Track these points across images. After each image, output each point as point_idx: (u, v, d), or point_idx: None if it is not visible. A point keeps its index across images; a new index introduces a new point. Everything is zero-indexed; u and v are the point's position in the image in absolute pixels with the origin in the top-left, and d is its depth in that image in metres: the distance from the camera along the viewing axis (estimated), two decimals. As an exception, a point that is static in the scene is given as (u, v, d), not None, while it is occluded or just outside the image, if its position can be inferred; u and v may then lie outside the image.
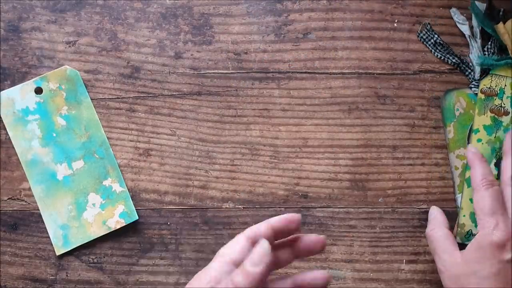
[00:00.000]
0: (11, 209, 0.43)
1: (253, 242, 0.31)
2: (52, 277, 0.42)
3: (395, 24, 0.43)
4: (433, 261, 0.42)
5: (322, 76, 0.43)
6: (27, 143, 0.42)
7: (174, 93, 0.43)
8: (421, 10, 0.43)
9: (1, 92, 0.42)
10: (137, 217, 0.42)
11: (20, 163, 0.42)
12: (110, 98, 0.43)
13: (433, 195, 0.43)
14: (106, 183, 0.42)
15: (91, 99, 0.43)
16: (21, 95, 0.42)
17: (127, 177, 0.43)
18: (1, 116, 0.42)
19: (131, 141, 0.43)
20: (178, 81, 0.43)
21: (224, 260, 0.31)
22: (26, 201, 0.43)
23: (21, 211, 0.43)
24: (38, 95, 0.42)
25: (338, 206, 0.43)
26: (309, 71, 0.43)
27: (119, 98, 0.43)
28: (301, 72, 0.43)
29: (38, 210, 0.42)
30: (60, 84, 0.42)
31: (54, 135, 0.42)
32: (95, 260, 0.42)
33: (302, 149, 0.43)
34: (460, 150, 0.42)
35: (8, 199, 0.43)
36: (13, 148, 0.42)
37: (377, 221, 0.43)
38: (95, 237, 0.42)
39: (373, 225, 0.43)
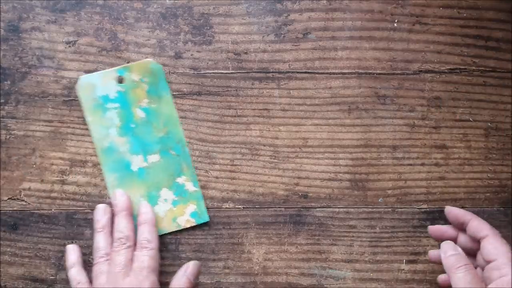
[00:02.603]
0: (11, 209, 0.43)
1: None
2: (52, 277, 0.42)
3: (395, 24, 0.44)
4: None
5: (322, 76, 0.43)
6: (105, 130, 0.42)
7: (174, 93, 0.43)
8: (421, 10, 0.44)
9: (81, 77, 0.42)
10: (208, 219, 0.42)
11: (20, 163, 0.42)
12: (110, 98, 0.43)
13: (433, 195, 0.43)
14: (180, 180, 0.42)
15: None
16: (102, 81, 0.42)
17: (127, 177, 0.43)
18: (81, 100, 0.42)
19: (131, 141, 0.43)
20: (178, 81, 0.43)
21: None
22: (26, 201, 0.43)
23: (21, 211, 0.43)
24: (120, 84, 0.42)
25: (338, 206, 0.43)
26: (309, 71, 0.43)
27: (119, 98, 0.43)
28: (301, 72, 0.43)
29: (38, 210, 0.42)
30: (143, 77, 0.42)
31: (133, 126, 0.42)
32: (95, 260, 0.42)
33: (302, 149, 0.43)
34: None
35: (8, 199, 0.43)
36: (14, 148, 0.42)
37: (377, 221, 0.43)
38: (164, 232, 0.42)
39: (373, 225, 0.43)
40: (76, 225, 0.43)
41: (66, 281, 0.42)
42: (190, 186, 0.42)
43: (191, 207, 0.42)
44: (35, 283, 0.42)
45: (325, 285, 0.42)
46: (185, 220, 0.42)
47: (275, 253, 0.43)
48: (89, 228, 0.42)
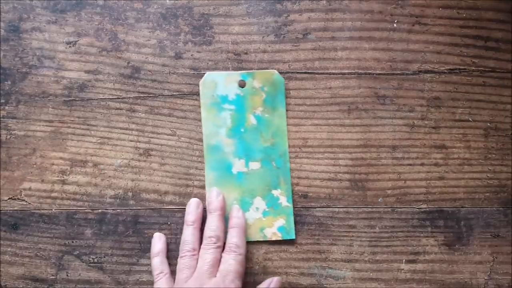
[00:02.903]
0: (11, 209, 0.43)
1: None
2: (53, 277, 0.42)
3: (395, 25, 0.44)
4: (432, 261, 0.42)
5: (322, 76, 0.43)
6: (215, 129, 0.42)
7: (174, 93, 0.43)
8: (420, 11, 0.44)
9: (207, 73, 0.43)
10: (294, 237, 0.42)
11: (20, 163, 0.43)
12: (110, 98, 0.43)
13: (433, 195, 0.43)
14: (275, 193, 0.42)
15: (92, 99, 0.43)
16: (225, 82, 0.42)
17: (127, 177, 0.43)
18: (201, 95, 0.43)
19: (131, 141, 0.43)
20: (178, 81, 0.43)
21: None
22: (26, 201, 0.43)
23: (21, 211, 0.43)
24: (240, 88, 0.43)
25: (338, 206, 0.43)
26: (309, 71, 0.44)
27: (119, 98, 0.43)
28: (301, 72, 0.44)
29: (39, 210, 0.42)
30: (263, 85, 0.43)
31: (242, 130, 0.42)
32: (95, 260, 0.42)
33: (302, 149, 0.43)
34: None
35: (8, 199, 0.43)
36: (15, 148, 0.43)
37: (377, 221, 0.43)
38: (248, 240, 0.42)
39: (373, 225, 0.43)
40: (77, 225, 0.43)
41: (67, 281, 0.42)
42: (284, 201, 0.42)
43: (280, 221, 0.42)
44: (35, 283, 0.42)
45: (325, 285, 0.42)
46: (272, 232, 0.42)
47: (274, 252, 0.43)
48: (89, 228, 0.43)
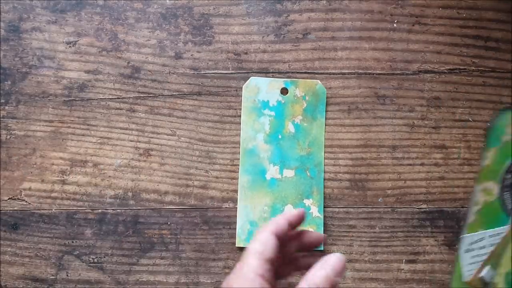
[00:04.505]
0: (11, 209, 0.43)
1: (277, 237, 0.31)
2: (53, 277, 0.42)
3: (395, 25, 0.44)
4: (432, 261, 0.42)
5: (322, 76, 0.43)
6: (253, 133, 0.43)
7: (174, 93, 0.43)
8: (420, 11, 0.44)
9: (252, 77, 0.43)
10: (322, 248, 0.42)
11: (20, 163, 0.43)
12: (110, 98, 0.43)
13: (433, 195, 0.43)
14: (307, 202, 0.42)
15: (92, 99, 0.43)
16: (268, 87, 0.43)
17: (127, 177, 0.43)
18: (242, 98, 0.43)
19: (131, 141, 0.43)
20: (178, 81, 0.43)
21: (263, 258, 0.29)
22: (26, 201, 0.43)
23: (21, 211, 0.43)
24: (282, 95, 0.43)
25: (338, 206, 0.43)
26: (309, 71, 0.44)
27: (119, 98, 0.43)
28: (301, 72, 0.44)
29: (39, 210, 0.42)
30: (306, 95, 0.43)
31: (280, 137, 0.43)
32: (95, 260, 0.42)
33: (302, 149, 0.43)
34: (489, 183, 0.41)
35: (8, 199, 0.43)
36: (15, 148, 0.43)
37: (377, 221, 0.43)
38: None
39: (373, 225, 0.43)
40: (77, 225, 0.43)
41: (67, 281, 0.42)
42: (315, 211, 0.42)
43: None
44: (35, 283, 0.42)
45: (325, 285, 0.42)
46: None
47: (275, 253, 0.43)
48: (89, 228, 0.43)
